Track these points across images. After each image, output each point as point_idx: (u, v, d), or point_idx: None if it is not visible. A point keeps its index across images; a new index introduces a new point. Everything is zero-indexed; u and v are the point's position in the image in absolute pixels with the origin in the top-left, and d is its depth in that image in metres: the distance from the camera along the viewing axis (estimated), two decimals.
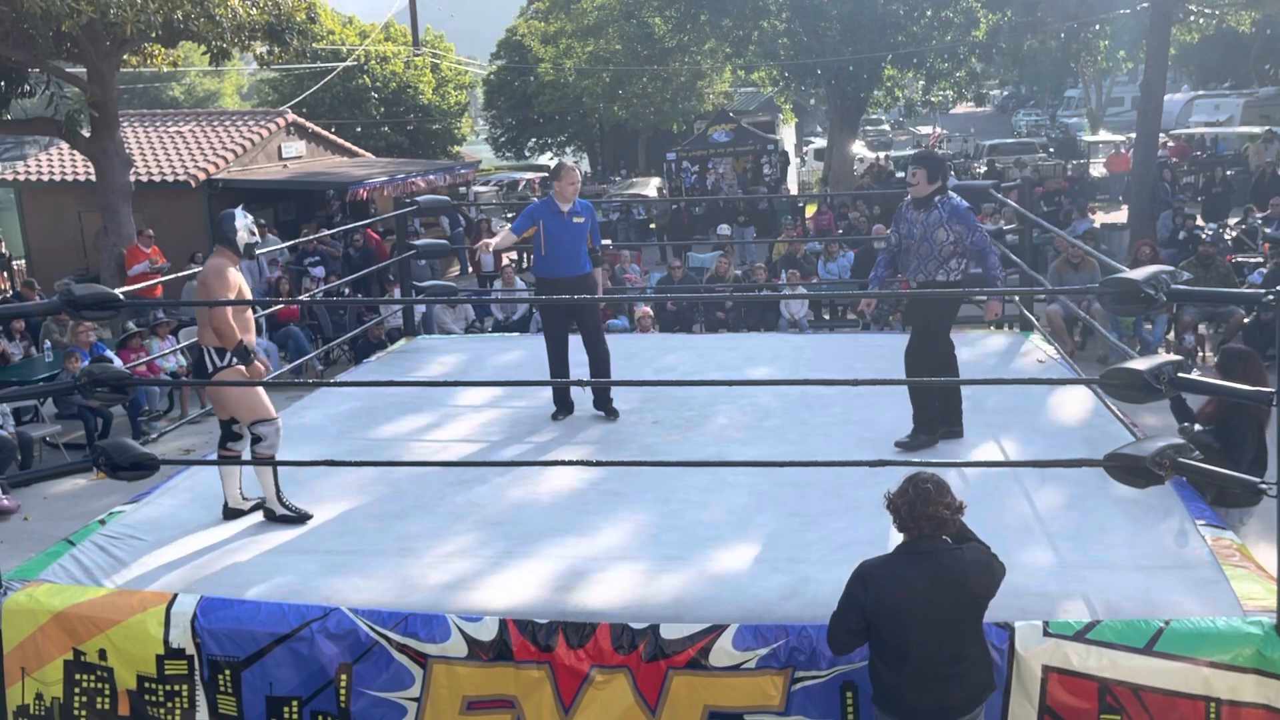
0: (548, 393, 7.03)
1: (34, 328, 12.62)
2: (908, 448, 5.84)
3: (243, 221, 5.32)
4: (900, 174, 26.75)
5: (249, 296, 5.57)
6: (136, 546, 4.96)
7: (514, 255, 17.85)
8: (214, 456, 6.01)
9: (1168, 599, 4.09)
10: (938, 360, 5.91)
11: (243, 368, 5.26)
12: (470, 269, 19.69)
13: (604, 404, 6.77)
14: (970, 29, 23.73)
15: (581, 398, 6.90)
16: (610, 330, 12.33)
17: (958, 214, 5.80)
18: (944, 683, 3.63)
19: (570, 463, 5.20)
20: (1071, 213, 17.69)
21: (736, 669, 4.01)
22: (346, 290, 14.28)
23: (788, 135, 37.11)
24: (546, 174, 33.28)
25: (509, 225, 7.01)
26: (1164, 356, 4.08)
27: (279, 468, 5.24)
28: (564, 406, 6.83)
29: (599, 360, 6.84)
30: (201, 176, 18.30)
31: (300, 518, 5.23)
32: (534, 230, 6.75)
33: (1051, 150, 31.87)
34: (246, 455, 5.38)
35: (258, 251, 5.47)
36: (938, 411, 5.90)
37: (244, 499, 5.42)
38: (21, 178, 19.33)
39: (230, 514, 5.34)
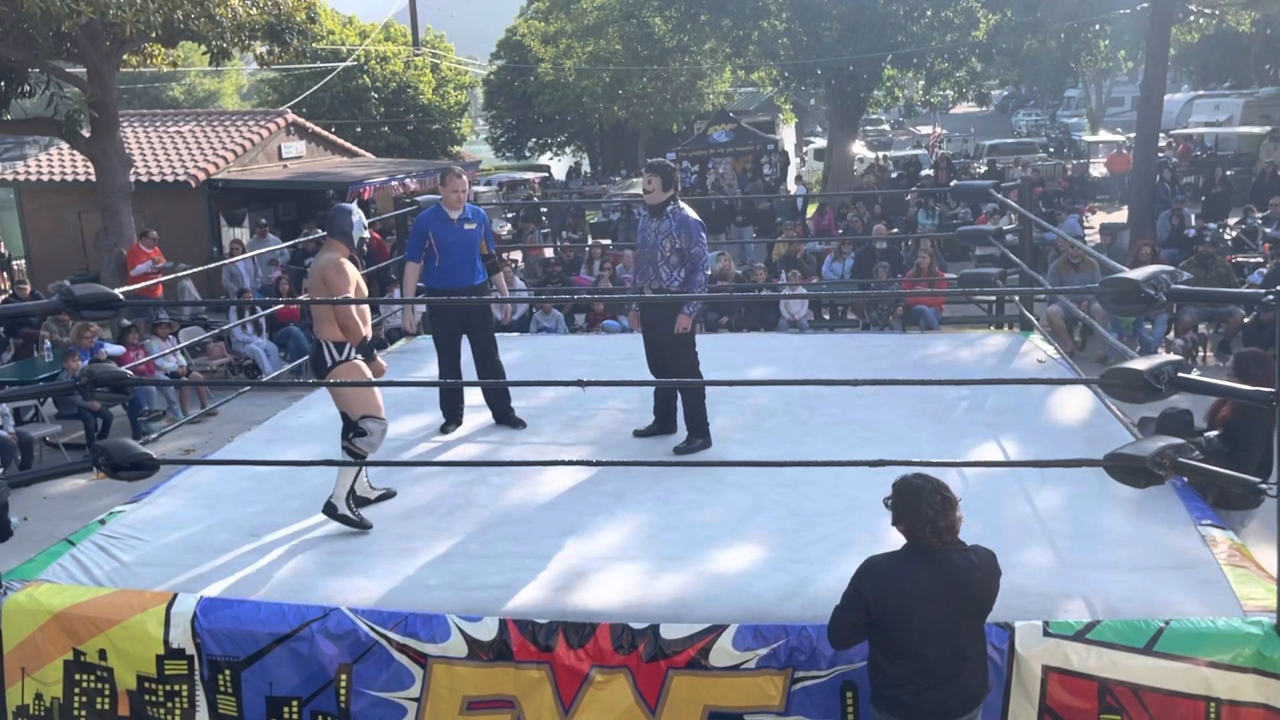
0: (547, 393, 7.03)
1: (33, 327, 12.65)
2: (687, 451, 5.98)
3: (358, 216, 5.34)
4: (898, 174, 26.81)
5: (365, 289, 5.51)
6: (136, 546, 4.96)
7: (516, 255, 17.85)
8: (215, 456, 6.01)
9: (1168, 599, 4.09)
10: (695, 364, 6.13)
11: (362, 363, 5.25)
12: None
13: (505, 418, 6.55)
14: (970, 29, 23.74)
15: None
16: (609, 330, 12.34)
17: (685, 225, 5.94)
18: (944, 684, 3.63)
19: (570, 463, 5.20)
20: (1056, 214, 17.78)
21: (736, 669, 4.01)
22: None
23: (788, 135, 37.16)
24: (546, 175, 33.46)
25: (409, 262, 6.60)
26: (1164, 356, 4.08)
27: (353, 478, 5.10)
28: (453, 418, 6.57)
29: (492, 378, 6.59)
30: (201, 176, 18.32)
31: (362, 525, 5.06)
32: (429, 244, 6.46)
33: (1051, 150, 31.90)
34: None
35: (256, 253, 5.47)
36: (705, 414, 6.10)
37: (371, 488, 5.40)
38: (21, 178, 19.34)
39: (358, 502, 5.25)
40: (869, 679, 3.78)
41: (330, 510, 5.07)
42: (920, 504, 3.62)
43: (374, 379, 5.36)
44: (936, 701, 3.63)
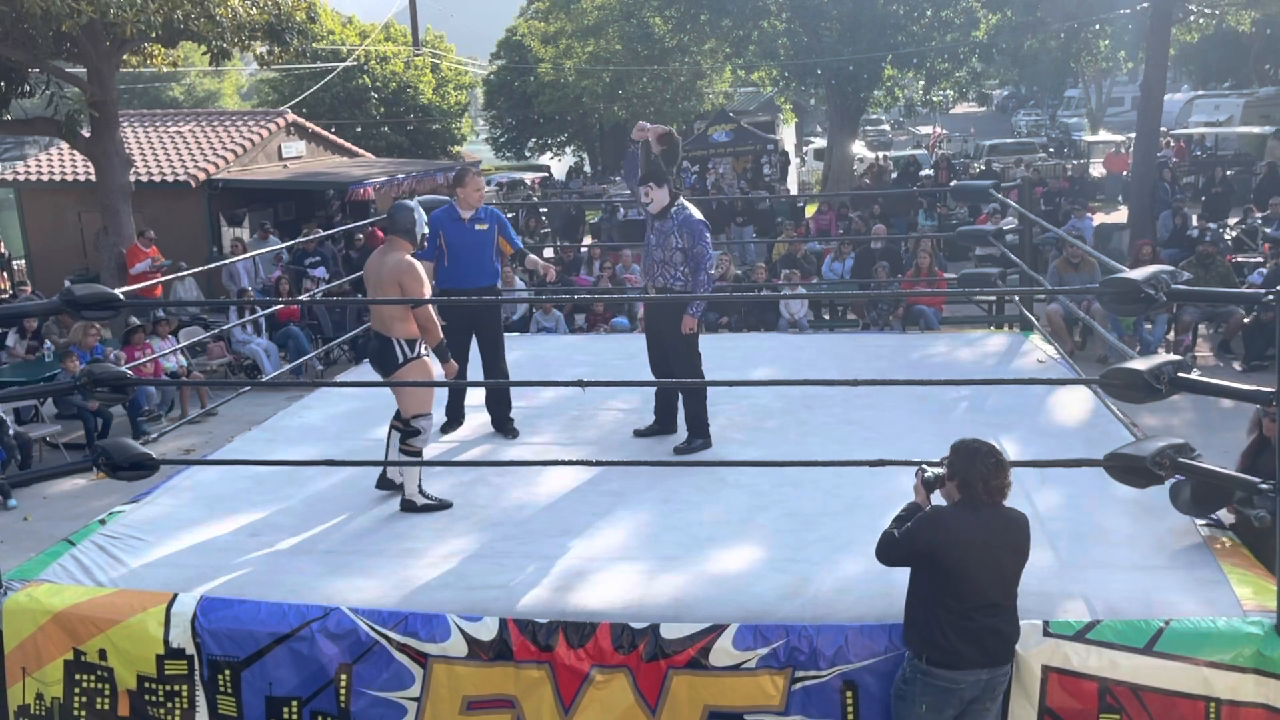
0: (548, 393, 7.03)
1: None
2: (687, 452, 5.98)
3: (420, 214, 5.36)
4: (897, 174, 26.79)
5: (433, 289, 5.53)
6: (136, 546, 4.96)
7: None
8: (215, 456, 6.01)
9: (1168, 599, 4.09)
10: (698, 365, 6.12)
11: (430, 362, 5.33)
12: None
13: (502, 425, 6.50)
14: (970, 29, 23.74)
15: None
16: (618, 329, 12.34)
17: (688, 224, 5.95)
18: (994, 631, 3.75)
19: (570, 462, 5.20)
20: (1070, 213, 17.73)
21: (736, 669, 4.01)
22: (347, 290, 14.26)
23: (788, 135, 37.13)
24: (546, 175, 33.43)
25: (422, 261, 6.67)
26: (1164, 356, 4.08)
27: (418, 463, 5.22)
28: (455, 418, 6.57)
29: (496, 379, 6.55)
30: (201, 176, 18.31)
31: (442, 505, 5.21)
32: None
33: (1051, 150, 31.89)
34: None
35: (257, 253, 5.51)
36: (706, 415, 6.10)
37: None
38: (21, 178, 19.33)
39: (407, 506, 5.30)
40: (921, 635, 3.79)
41: (409, 507, 5.18)
42: (975, 462, 3.80)
43: (445, 379, 5.43)
44: (988, 647, 3.75)
